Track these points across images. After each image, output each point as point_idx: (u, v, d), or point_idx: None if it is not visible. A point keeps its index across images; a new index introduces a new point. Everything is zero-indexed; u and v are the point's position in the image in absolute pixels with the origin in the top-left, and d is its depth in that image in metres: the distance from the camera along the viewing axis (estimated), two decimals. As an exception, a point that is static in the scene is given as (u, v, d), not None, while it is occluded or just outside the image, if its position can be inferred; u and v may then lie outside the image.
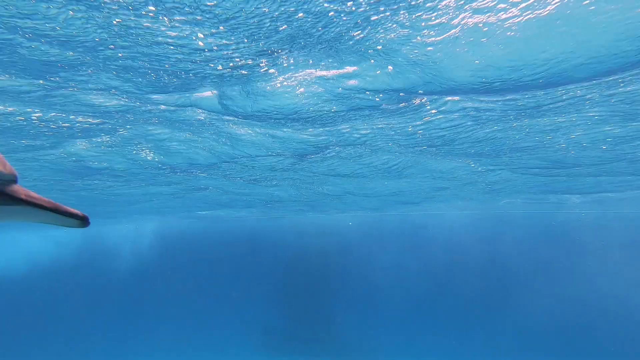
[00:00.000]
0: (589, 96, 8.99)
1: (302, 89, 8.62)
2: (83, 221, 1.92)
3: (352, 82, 8.35)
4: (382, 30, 6.47)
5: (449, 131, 11.65)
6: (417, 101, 9.42)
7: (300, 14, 6.09)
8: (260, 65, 7.63)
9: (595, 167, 15.59)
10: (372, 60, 7.40)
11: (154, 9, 6.05)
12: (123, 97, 8.95)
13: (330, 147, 13.18)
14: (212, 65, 7.63)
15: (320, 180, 18.46)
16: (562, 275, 43.72)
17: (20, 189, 1.82)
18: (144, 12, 6.09)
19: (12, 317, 31.89)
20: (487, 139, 12.39)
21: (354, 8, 5.93)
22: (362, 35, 6.64)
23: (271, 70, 7.83)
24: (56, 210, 1.83)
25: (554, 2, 5.80)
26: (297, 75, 8.04)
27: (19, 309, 34.35)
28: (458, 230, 42.41)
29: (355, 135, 11.97)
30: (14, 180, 1.80)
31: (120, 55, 7.14)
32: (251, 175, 17.28)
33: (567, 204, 25.61)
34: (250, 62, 7.47)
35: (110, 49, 6.92)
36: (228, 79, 8.18)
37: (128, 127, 10.89)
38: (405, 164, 15.39)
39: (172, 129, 11.17)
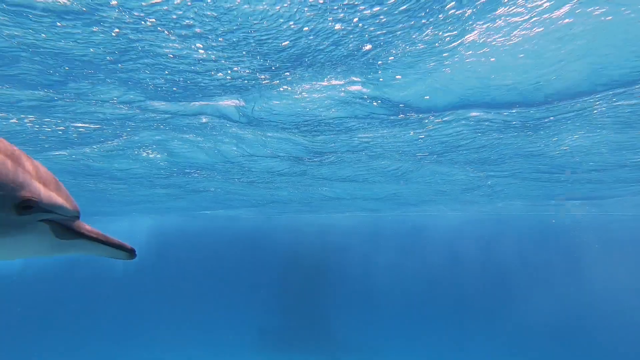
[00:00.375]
0: (597, 105, 8.86)
1: (305, 95, 8.45)
2: (131, 253, 2.07)
3: (358, 92, 8.19)
4: (395, 47, 6.31)
5: (452, 137, 11.51)
6: (414, 115, 9.28)
7: (306, 28, 5.92)
8: (261, 78, 7.47)
9: (597, 173, 15.50)
10: (380, 72, 7.23)
11: (154, 20, 5.88)
12: (125, 106, 8.80)
13: (331, 153, 13.06)
14: (213, 73, 7.46)
15: (318, 183, 18.33)
16: (560, 275, 43.85)
17: (82, 224, 1.99)
18: (142, 23, 5.92)
19: (10, 316, 31.78)
20: (490, 146, 12.27)
21: (360, 24, 5.77)
22: (374, 52, 6.49)
23: (275, 82, 7.67)
24: (110, 244, 2.00)
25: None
26: (301, 86, 7.87)
27: (18, 306, 34.23)
28: (455, 230, 42.44)
29: (356, 141, 11.83)
30: (77, 216, 1.97)
31: (120, 66, 6.97)
32: (249, 178, 17.15)
33: (565, 206, 25.59)
34: (248, 71, 7.28)
35: (109, 60, 6.75)
36: (230, 88, 8.02)
37: (129, 130, 10.71)
38: (405, 169, 15.27)
39: (175, 132, 11.01)
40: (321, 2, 5.27)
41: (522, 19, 5.85)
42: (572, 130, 10.85)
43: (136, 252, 2.09)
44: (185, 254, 48.82)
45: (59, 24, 5.69)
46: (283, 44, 6.29)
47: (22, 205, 1.66)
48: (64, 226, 1.90)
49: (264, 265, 41.23)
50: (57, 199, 1.84)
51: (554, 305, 34.98)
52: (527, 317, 33.02)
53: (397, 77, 7.49)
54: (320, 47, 6.38)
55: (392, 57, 6.72)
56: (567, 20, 5.84)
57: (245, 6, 5.42)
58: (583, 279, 42.46)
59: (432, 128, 10.55)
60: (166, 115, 9.42)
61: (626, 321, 32.02)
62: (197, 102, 8.78)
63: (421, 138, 11.66)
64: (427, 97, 8.53)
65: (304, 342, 27.23)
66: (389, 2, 5.28)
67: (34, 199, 1.69)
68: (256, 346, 27.48)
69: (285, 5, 5.35)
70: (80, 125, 10.10)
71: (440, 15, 5.60)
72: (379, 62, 6.88)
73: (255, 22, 5.75)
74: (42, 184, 1.78)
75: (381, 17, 5.58)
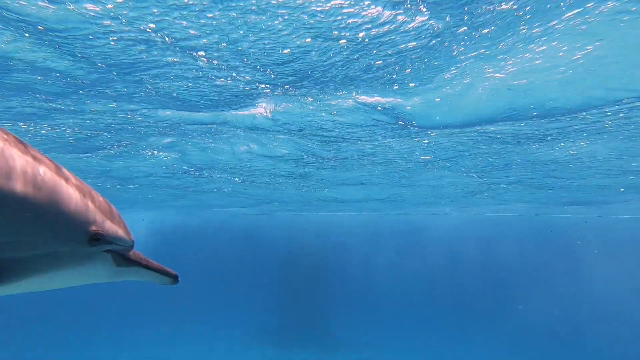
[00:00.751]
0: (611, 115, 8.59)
1: (315, 105, 8.17)
2: (174, 279, 2.21)
3: (369, 102, 7.91)
4: (410, 62, 6.05)
5: (456, 144, 11.25)
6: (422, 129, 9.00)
7: (308, 39, 5.63)
8: (261, 87, 7.18)
9: (606, 179, 15.24)
10: (396, 85, 6.95)
11: (153, 26, 5.60)
12: (128, 115, 8.57)
13: (335, 158, 12.83)
14: (212, 77, 7.19)
15: (320, 185, 18.12)
16: (561, 276, 43.78)
17: (136, 252, 2.12)
18: (142, 27, 5.63)
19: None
20: (495, 152, 12.01)
21: (367, 41, 5.47)
22: (389, 69, 6.24)
23: (277, 92, 7.40)
24: (159, 271, 2.14)
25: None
26: (311, 97, 7.59)
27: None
28: (454, 230, 42.32)
29: (360, 147, 11.58)
30: (133, 245, 2.10)
31: (114, 73, 6.69)
32: (251, 178, 16.95)
33: (569, 209, 25.37)
34: (248, 78, 6.99)
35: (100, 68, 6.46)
36: (231, 98, 7.76)
37: (131, 136, 10.48)
38: (408, 173, 15.03)
39: (184, 137, 10.82)
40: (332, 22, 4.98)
41: (541, 29, 5.57)
42: (581, 138, 10.60)
43: (179, 278, 2.22)
44: (184, 251, 48.73)
45: (40, 28, 5.41)
46: (284, 51, 6.03)
47: (93, 238, 1.81)
48: (122, 255, 2.04)
49: (263, 263, 41.13)
50: (120, 231, 1.99)
51: (554, 306, 34.91)
52: (527, 318, 32.95)
53: (411, 84, 7.21)
54: (331, 62, 6.11)
55: (409, 70, 6.45)
56: (584, 26, 5.57)
57: (253, 16, 5.14)
58: (584, 279, 42.39)
59: (435, 135, 10.31)
60: (172, 122, 9.19)
61: (627, 321, 31.93)
62: (204, 113, 8.54)
63: (425, 143, 11.41)
64: (443, 109, 8.27)
65: (303, 340, 27.17)
66: (397, 19, 5.00)
67: (102, 232, 1.85)
68: (256, 343, 27.43)
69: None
70: (81, 130, 9.85)
71: (453, 38, 5.33)
72: (394, 76, 6.61)
73: (263, 35, 5.47)
74: (107, 217, 1.94)
75: (393, 36, 5.32)
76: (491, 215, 30.76)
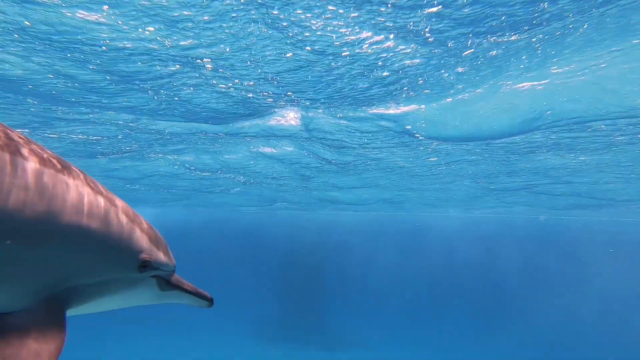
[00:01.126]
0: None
1: (319, 110, 8.00)
2: (210, 302, 2.28)
3: (380, 114, 7.75)
4: (414, 78, 5.88)
5: (463, 151, 11.07)
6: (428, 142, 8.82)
7: (308, 47, 5.44)
8: (264, 95, 7.00)
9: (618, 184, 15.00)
10: (412, 92, 6.77)
11: (153, 27, 5.43)
12: (129, 123, 8.49)
13: (339, 163, 12.68)
14: (216, 85, 7.03)
15: (324, 187, 18.02)
16: (564, 278, 43.60)
17: (176, 276, 2.19)
18: (144, 34, 5.46)
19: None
20: (505, 160, 11.81)
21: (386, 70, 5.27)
22: (402, 82, 6.09)
23: (281, 102, 7.22)
24: (198, 295, 2.21)
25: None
26: (317, 105, 7.41)
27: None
28: (454, 231, 42.18)
29: (366, 152, 11.42)
30: (174, 270, 2.18)
31: (115, 81, 6.53)
32: (255, 179, 16.88)
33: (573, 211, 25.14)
34: (252, 83, 6.82)
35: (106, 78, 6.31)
36: (237, 106, 7.61)
37: (134, 142, 10.41)
38: (413, 179, 14.86)
39: (187, 143, 10.74)
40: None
41: (556, 50, 5.36)
42: (591, 150, 10.41)
43: (214, 302, 2.30)
44: (186, 247, 48.83)
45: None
46: (288, 54, 5.85)
47: (142, 265, 1.91)
48: (165, 280, 2.13)
49: (265, 260, 41.21)
50: (165, 258, 2.08)
51: (558, 308, 34.72)
52: (529, 319, 32.77)
53: (425, 91, 7.01)
54: (339, 72, 5.95)
55: (422, 80, 6.27)
56: (602, 40, 5.38)
57: (255, 26, 4.96)
58: (591, 282, 42.15)
59: (437, 144, 10.15)
60: (181, 129, 9.13)
61: (633, 322, 31.70)
62: (210, 121, 8.42)
63: (433, 147, 11.23)
64: (454, 121, 8.09)
65: (304, 338, 27.21)
66: (396, 42, 4.80)
67: (150, 260, 1.95)
68: (256, 340, 27.48)
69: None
70: (86, 136, 9.75)
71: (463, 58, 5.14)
72: (405, 88, 6.43)
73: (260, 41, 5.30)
74: (154, 244, 2.02)
75: (393, 55, 5.14)
76: (494, 215, 30.59)
